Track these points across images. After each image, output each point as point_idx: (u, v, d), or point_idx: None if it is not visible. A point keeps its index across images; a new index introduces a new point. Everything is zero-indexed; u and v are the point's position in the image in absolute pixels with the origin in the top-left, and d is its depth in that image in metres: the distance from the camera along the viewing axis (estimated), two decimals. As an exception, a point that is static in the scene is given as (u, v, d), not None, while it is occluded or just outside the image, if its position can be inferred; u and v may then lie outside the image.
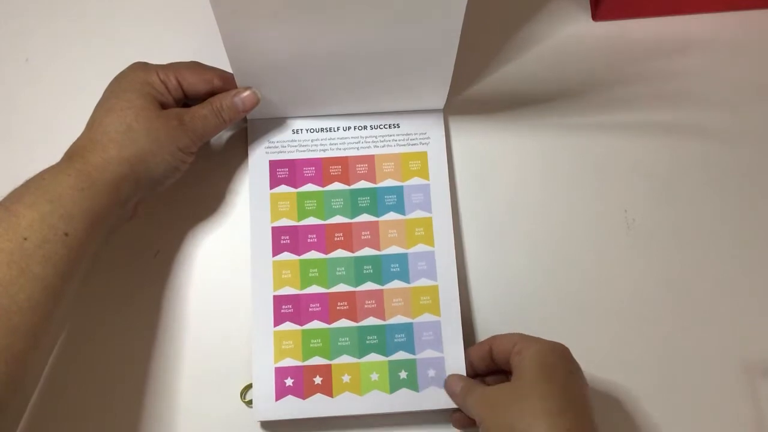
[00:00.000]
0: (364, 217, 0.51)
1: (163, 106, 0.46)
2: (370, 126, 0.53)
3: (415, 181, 0.52)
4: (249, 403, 0.48)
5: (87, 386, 0.49)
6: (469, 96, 0.55)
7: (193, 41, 0.54)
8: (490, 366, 0.47)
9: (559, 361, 0.42)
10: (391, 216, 0.51)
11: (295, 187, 0.52)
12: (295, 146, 0.52)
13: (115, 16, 0.57)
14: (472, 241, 0.52)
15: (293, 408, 0.48)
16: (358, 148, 0.53)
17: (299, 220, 0.51)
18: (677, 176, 0.54)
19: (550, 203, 0.53)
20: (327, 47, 0.46)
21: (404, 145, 0.53)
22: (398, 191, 0.52)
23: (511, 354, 0.44)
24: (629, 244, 0.52)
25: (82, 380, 0.49)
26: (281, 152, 0.52)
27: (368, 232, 0.51)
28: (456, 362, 0.48)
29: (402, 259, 0.50)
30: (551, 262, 0.52)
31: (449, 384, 0.48)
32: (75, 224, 0.40)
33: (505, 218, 0.53)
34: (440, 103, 0.53)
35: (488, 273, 0.52)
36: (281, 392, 0.48)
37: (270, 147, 0.52)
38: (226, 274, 0.51)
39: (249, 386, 0.49)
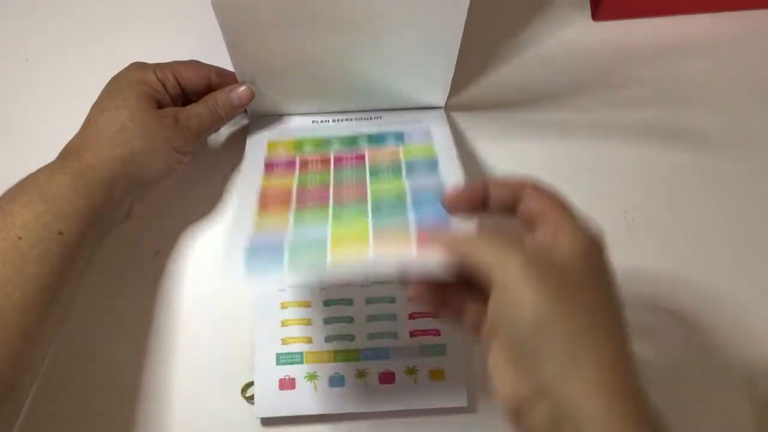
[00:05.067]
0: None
1: (161, 104, 0.46)
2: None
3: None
4: (250, 399, 0.48)
5: (87, 385, 0.49)
6: (469, 95, 0.55)
7: (193, 41, 0.54)
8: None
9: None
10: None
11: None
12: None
13: (114, 17, 0.57)
14: (472, 241, 0.52)
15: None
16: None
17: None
18: (677, 176, 0.54)
19: (549, 203, 0.53)
20: (329, 44, 0.46)
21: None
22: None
23: (537, 223, 0.34)
24: (629, 244, 0.52)
25: (82, 379, 0.49)
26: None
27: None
28: None
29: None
30: (551, 263, 0.52)
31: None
32: (69, 223, 0.40)
33: (503, 218, 0.53)
34: (441, 100, 0.53)
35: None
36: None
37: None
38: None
39: (250, 383, 0.48)
